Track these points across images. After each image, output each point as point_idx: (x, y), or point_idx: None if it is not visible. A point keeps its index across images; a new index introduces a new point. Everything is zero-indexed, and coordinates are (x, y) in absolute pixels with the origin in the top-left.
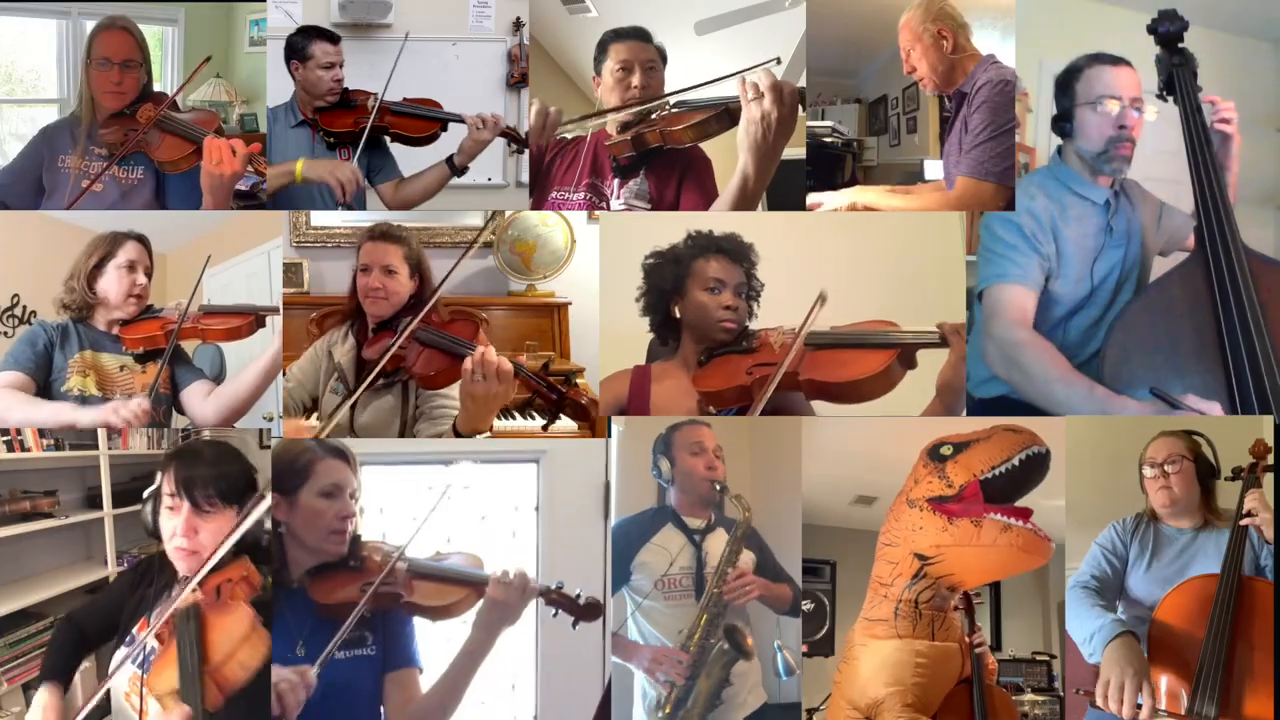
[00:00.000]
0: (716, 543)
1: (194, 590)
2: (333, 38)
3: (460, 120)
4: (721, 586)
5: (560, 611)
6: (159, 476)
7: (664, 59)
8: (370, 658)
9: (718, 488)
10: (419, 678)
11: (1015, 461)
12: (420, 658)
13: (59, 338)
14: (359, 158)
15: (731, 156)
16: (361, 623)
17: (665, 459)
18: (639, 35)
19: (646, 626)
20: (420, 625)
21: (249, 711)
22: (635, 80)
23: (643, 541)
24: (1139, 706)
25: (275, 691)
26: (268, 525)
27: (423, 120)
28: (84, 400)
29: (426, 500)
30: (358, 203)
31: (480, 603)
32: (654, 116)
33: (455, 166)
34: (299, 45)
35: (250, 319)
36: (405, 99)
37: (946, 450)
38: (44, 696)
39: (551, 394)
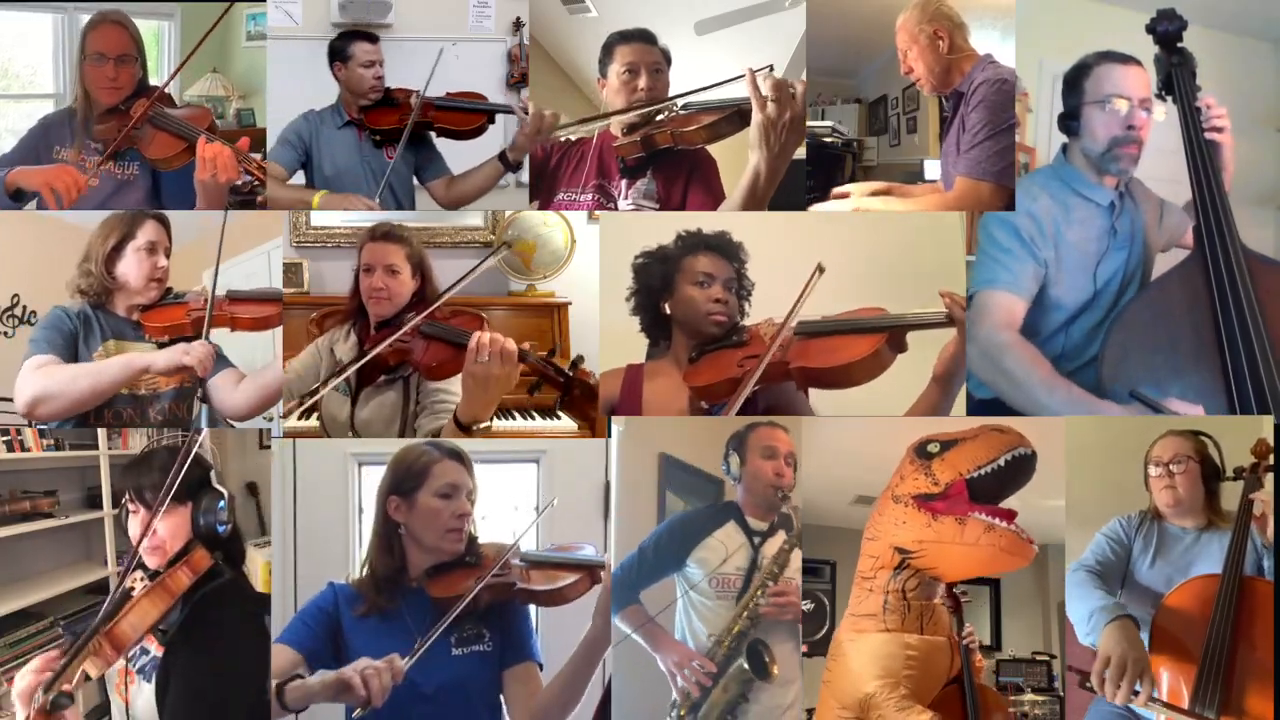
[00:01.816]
0: (775, 547)
1: (141, 580)
2: (371, 37)
3: (506, 110)
4: (761, 599)
5: None
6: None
7: (669, 61)
8: (487, 654)
9: (780, 495)
10: (539, 673)
11: (1001, 462)
12: (540, 653)
13: (81, 326)
14: (404, 155)
15: (737, 156)
16: (478, 619)
17: (736, 456)
18: (644, 38)
19: (694, 620)
20: (538, 621)
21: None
22: (641, 82)
23: (704, 535)
24: (1136, 693)
25: (361, 677)
26: (223, 517)
27: (468, 113)
28: (108, 401)
29: None
30: (408, 202)
31: (598, 590)
32: (661, 118)
33: (509, 162)
34: (340, 48)
35: (281, 306)
36: (449, 93)
37: (934, 448)
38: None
39: (559, 377)
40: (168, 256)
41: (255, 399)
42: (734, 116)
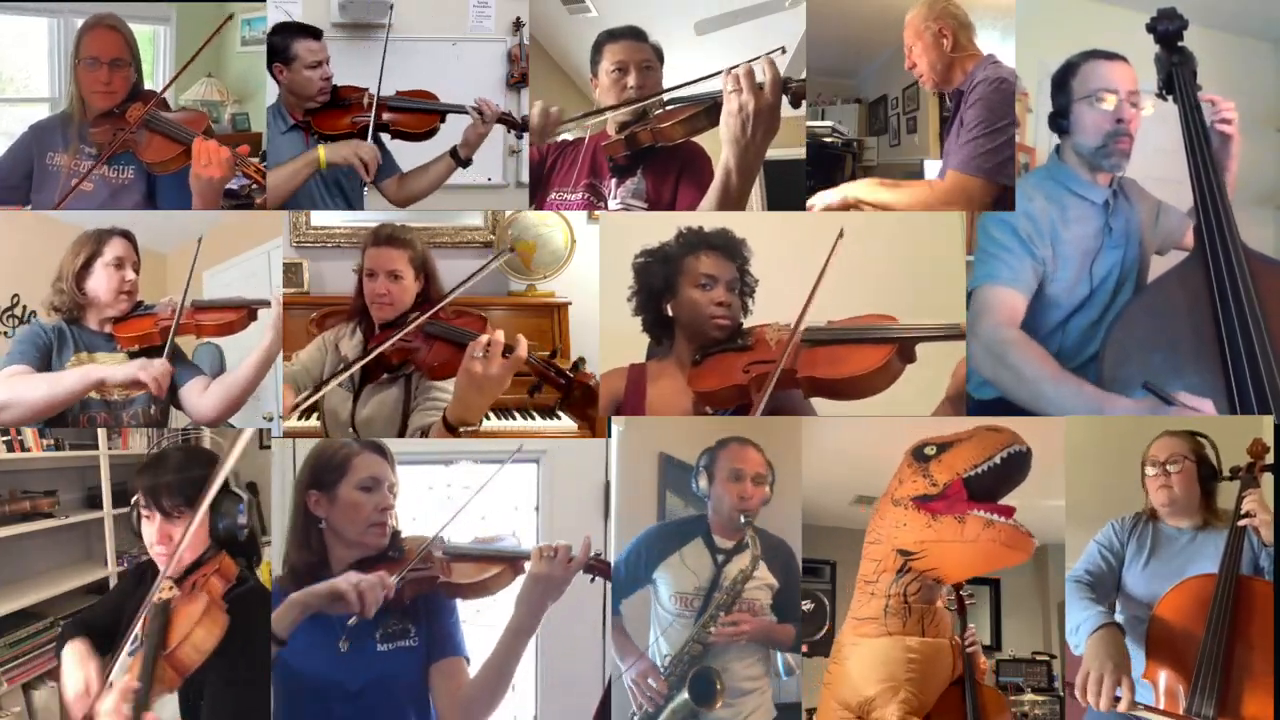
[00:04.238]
0: (736, 569)
1: (171, 589)
2: (315, 33)
3: (459, 110)
4: (712, 627)
5: (598, 577)
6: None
7: (660, 58)
8: (413, 649)
9: (743, 520)
10: (466, 667)
11: (997, 460)
12: (466, 647)
13: (55, 340)
14: None
15: None
16: (404, 614)
17: (705, 475)
18: (634, 35)
19: (658, 634)
20: (464, 615)
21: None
22: (631, 80)
23: (670, 552)
24: (1117, 699)
25: (357, 590)
26: (242, 520)
27: (422, 114)
28: (82, 405)
29: (426, 500)
30: (358, 202)
31: (521, 580)
32: (648, 115)
33: (460, 158)
34: (280, 46)
35: (243, 312)
36: (399, 92)
37: (930, 450)
38: (73, 649)
39: (560, 379)
40: (136, 271)
41: (220, 405)
42: (711, 110)
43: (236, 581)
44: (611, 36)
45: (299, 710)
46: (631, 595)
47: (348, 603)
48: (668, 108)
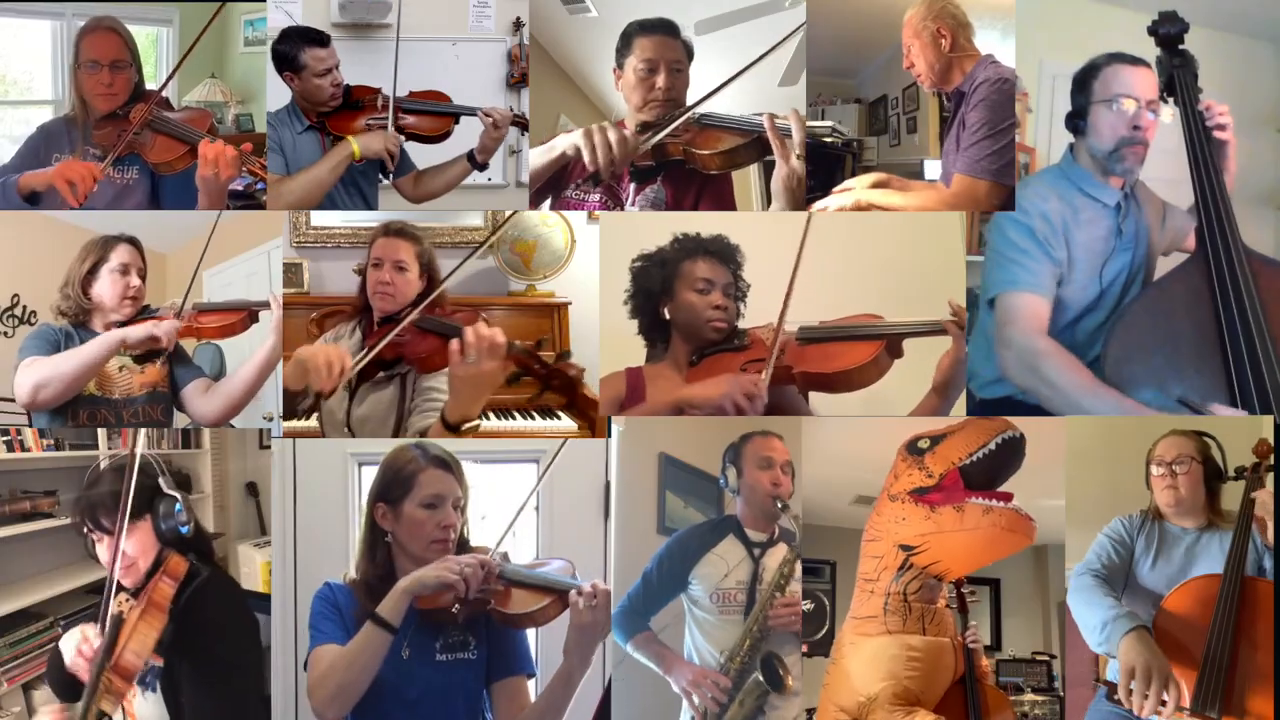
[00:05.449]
0: (776, 559)
1: (126, 601)
2: (322, 40)
3: (470, 113)
4: (769, 611)
5: None
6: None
7: (691, 56)
8: (471, 662)
9: (780, 505)
10: (529, 684)
11: (991, 446)
12: (532, 663)
13: (63, 340)
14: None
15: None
16: (463, 628)
17: (734, 468)
18: (667, 29)
19: (699, 637)
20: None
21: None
22: (660, 81)
23: (704, 551)
24: (1164, 703)
25: (461, 575)
26: (183, 518)
27: (437, 117)
28: (84, 403)
29: None
30: (375, 201)
31: (564, 615)
32: (676, 124)
33: (477, 162)
34: (288, 55)
35: (244, 315)
36: (412, 93)
37: (924, 444)
38: (45, 714)
39: (539, 367)
40: (142, 277)
41: (221, 407)
42: (753, 144)
43: (188, 577)
44: (643, 29)
45: (357, 714)
46: (664, 606)
47: (455, 591)
48: (704, 125)
